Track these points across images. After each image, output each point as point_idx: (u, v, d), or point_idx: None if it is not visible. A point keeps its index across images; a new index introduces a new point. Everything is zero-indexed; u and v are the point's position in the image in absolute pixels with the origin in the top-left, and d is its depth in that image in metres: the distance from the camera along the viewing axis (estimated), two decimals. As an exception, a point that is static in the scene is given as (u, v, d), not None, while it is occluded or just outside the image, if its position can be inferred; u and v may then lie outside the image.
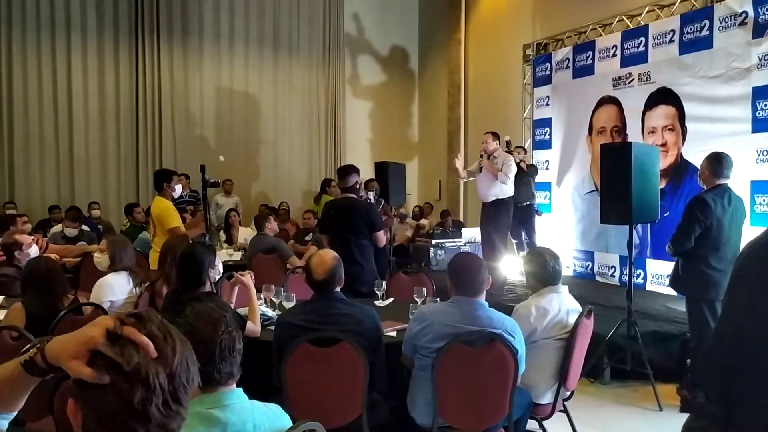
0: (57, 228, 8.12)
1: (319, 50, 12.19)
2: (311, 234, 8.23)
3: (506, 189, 7.01)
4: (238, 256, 7.46)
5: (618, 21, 7.94)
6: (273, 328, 3.55)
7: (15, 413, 1.23)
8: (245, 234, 8.52)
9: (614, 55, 7.95)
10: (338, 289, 3.12)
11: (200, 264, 3.42)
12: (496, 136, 7.22)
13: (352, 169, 5.36)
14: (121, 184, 11.03)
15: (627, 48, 7.75)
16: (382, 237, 5.20)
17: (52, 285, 3.58)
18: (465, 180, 7.44)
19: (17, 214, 7.16)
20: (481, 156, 7.08)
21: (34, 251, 4.93)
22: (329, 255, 3.13)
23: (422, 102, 13.13)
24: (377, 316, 3.17)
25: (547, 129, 9.25)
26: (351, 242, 4.98)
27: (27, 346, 1.13)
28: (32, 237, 5.37)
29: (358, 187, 5.36)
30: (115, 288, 4.22)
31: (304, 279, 5.36)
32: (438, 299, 3.88)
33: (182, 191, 9.83)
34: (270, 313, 3.93)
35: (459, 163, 7.38)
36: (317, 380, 2.89)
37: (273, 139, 11.98)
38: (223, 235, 8.69)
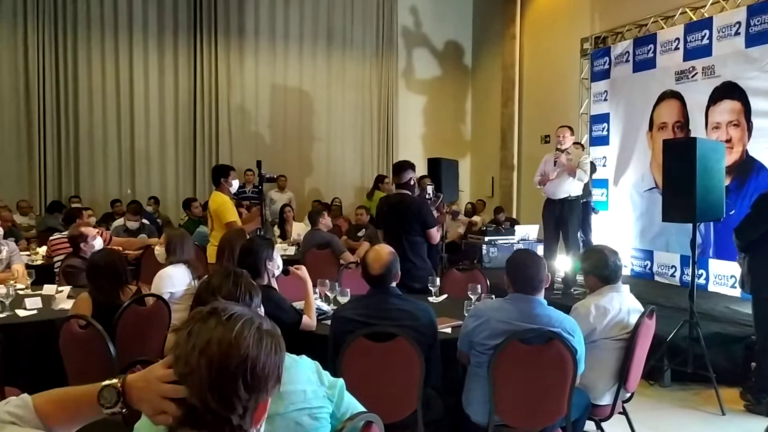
0: (119, 221, 8.38)
1: (372, 45, 12.21)
2: (364, 230, 8.26)
3: (578, 186, 6.79)
4: (291, 250, 7.54)
5: (681, 13, 7.69)
6: (328, 322, 3.58)
7: None
8: (299, 229, 8.63)
9: (676, 49, 7.71)
10: (394, 284, 3.12)
11: (256, 255, 3.48)
12: (573, 131, 6.95)
13: (408, 165, 5.33)
14: (179, 179, 11.31)
15: (690, 41, 7.50)
16: (435, 234, 5.15)
17: (116, 276, 3.69)
18: (541, 187, 7.05)
19: (83, 208, 7.42)
20: (558, 149, 6.78)
21: (98, 243, 5.10)
22: (385, 250, 3.13)
23: (475, 98, 13.01)
24: (433, 311, 3.15)
25: (605, 125, 9.04)
26: (403, 239, 4.96)
27: (105, 382, 1.19)
28: (97, 229, 5.55)
29: (412, 183, 5.30)
30: (174, 280, 4.32)
31: (357, 274, 5.43)
32: (493, 296, 3.84)
33: (246, 186, 10.13)
34: (325, 307, 3.96)
35: (564, 161, 6.62)
36: (373, 375, 2.89)
37: (326, 135, 12.07)
38: (277, 230, 8.81)
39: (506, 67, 11.54)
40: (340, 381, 1.89)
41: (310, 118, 11.98)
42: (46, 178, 10.51)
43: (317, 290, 4.18)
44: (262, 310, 2.00)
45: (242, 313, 1.19)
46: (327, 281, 4.33)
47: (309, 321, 3.51)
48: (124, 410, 1.17)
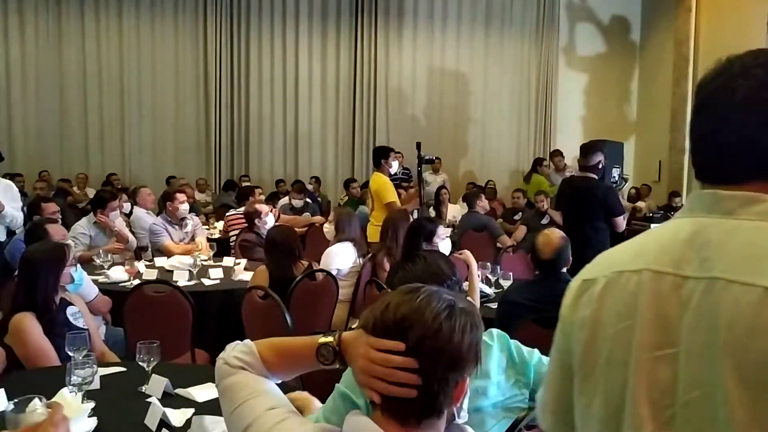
0: (284, 200, 8.88)
1: (532, 22, 11.84)
2: (520, 213, 8.12)
3: None
4: (447, 232, 7.55)
5: None
6: (490, 305, 3.57)
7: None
8: (454, 211, 8.65)
9: None
10: (565, 269, 3.03)
11: (418, 234, 3.59)
12: None
13: (597, 148, 5.09)
14: (338, 160, 11.75)
15: None
16: (620, 222, 4.89)
17: (291, 251, 3.92)
18: None
19: (254, 186, 7.92)
20: None
21: (270, 220, 5.45)
22: (556, 234, 3.05)
23: (643, 76, 12.22)
24: (605, 300, 3.03)
25: (796, 103, 8.13)
26: (584, 224, 4.77)
27: (321, 340, 1.24)
28: (269, 207, 5.91)
29: (600, 167, 5.02)
30: (341, 257, 4.51)
31: (515, 258, 5.36)
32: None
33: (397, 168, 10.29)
34: (487, 290, 3.95)
35: None
36: (541, 361, 2.84)
37: (481, 117, 11.94)
38: (432, 212, 8.88)
39: (679, 43, 10.70)
40: (534, 356, 1.85)
41: (466, 99, 11.90)
42: (221, 158, 11.37)
43: (479, 273, 4.16)
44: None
45: (432, 290, 1.19)
46: (488, 264, 4.31)
47: (473, 303, 3.51)
48: (342, 367, 1.23)
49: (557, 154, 10.04)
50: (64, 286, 2.84)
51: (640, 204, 10.00)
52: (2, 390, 2.13)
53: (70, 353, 2.33)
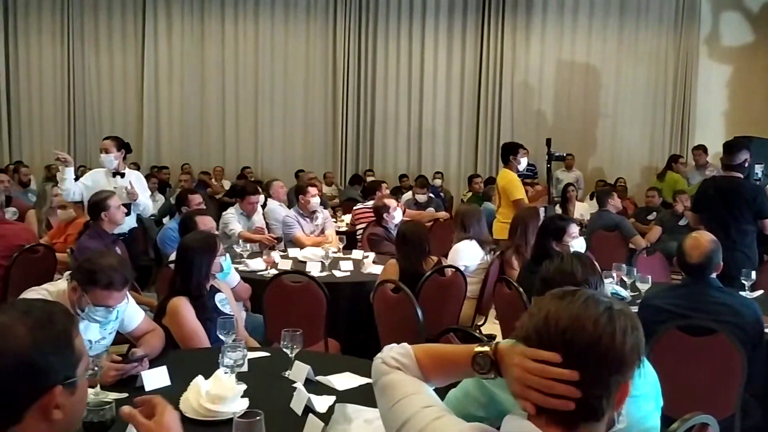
0: (408, 195, 8.96)
1: (671, 11, 11.15)
2: (654, 213, 7.73)
3: None
4: (578, 231, 7.33)
5: None
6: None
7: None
8: (581, 209, 8.38)
9: None
10: (714, 275, 2.86)
11: (550, 232, 3.56)
12: None
13: (742, 145, 4.77)
14: (461, 156, 11.72)
15: None
16: None
17: (421, 246, 3.98)
18: None
19: (380, 181, 8.05)
20: None
21: (398, 215, 5.52)
22: (705, 238, 2.88)
23: (795, 67, 11.21)
24: (759, 309, 2.84)
25: None
26: (731, 227, 4.48)
27: (478, 349, 1.27)
28: (396, 202, 5.99)
29: (747, 165, 4.72)
30: (469, 254, 4.50)
31: (650, 261, 5.12)
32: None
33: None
34: (623, 293, 3.80)
35: None
36: (685, 370, 2.70)
37: (612, 111, 11.44)
38: (558, 209, 8.64)
39: (841, 29, 9.74)
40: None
41: (597, 94, 11.45)
42: (347, 153, 11.69)
43: (613, 274, 4.02)
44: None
45: (589, 293, 1.18)
46: (623, 266, 4.15)
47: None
48: (496, 377, 1.25)
49: (699, 148, 9.37)
50: (215, 274, 3.03)
51: (788, 205, 9.19)
52: (164, 367, 2.32)
53: (221, 336, 2.49)
